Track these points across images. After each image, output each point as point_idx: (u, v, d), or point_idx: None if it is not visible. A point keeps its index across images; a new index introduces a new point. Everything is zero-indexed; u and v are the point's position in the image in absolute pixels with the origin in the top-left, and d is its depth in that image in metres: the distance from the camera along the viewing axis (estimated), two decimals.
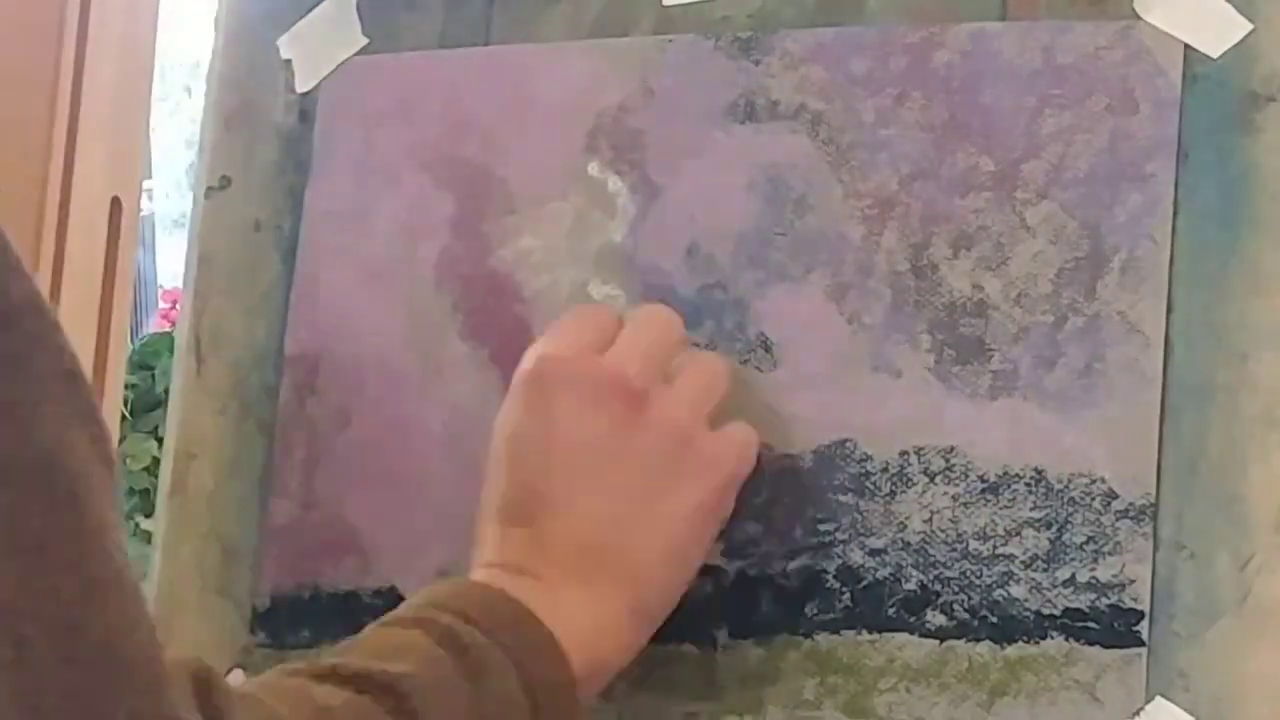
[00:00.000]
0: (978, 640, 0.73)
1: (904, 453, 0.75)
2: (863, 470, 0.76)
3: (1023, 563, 0.73)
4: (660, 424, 0.72)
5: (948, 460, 0.75)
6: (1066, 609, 0.72)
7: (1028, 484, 0.73)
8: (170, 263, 2.93)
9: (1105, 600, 0.71)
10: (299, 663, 0.67)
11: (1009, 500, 0.73)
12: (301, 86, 0.89)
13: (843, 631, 0.75)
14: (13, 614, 0.45)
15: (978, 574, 0.73)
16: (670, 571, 0.73)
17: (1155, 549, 0.71)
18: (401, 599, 0.82)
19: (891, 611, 0.74)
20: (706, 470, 0.73)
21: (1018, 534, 0.73)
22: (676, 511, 0.72)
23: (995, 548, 0.73)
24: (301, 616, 0.83)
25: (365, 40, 0.88)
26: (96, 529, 0.47)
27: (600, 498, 0.72)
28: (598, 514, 0.71)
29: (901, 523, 0.75)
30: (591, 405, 0.72)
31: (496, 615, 0.69)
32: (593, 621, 0.70)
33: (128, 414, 2.14)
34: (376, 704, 0.64)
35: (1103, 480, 0.72)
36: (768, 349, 0.78)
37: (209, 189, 0.90)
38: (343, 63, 0.89)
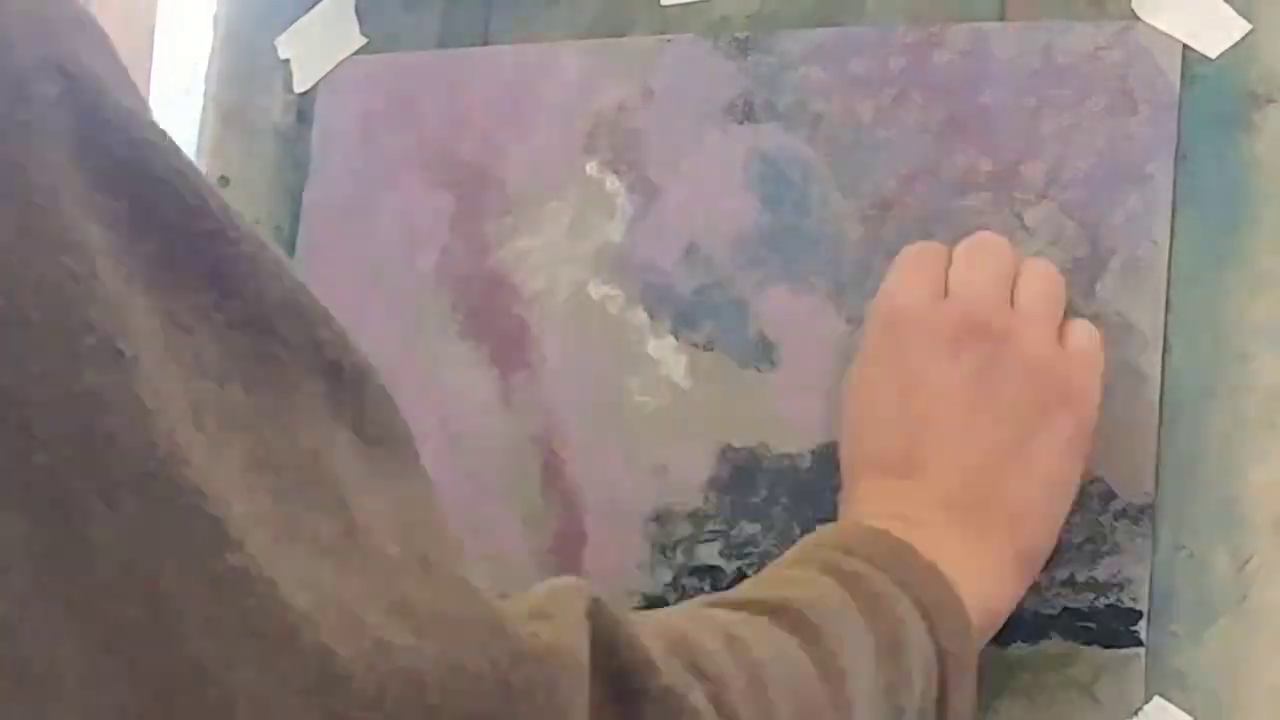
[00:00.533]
0: None
1: None
2: None
3: None
4: (1021, 360, 0.70)
5: None
6: (1065, 609, 0.72)
7: None
8: None
9: (1104, 600, 0.71)
10: (712, 595, 0.65)
11: None
12: (300, 86, 0.89)
13: None
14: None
15: None
16: (1050, 507, 0.71)
17: (1154, 549, 0.71)
18: None
19: None
20: (1072, 398, 0.71)
21: None
22: (1049, 447, 0.70)
23: None
24: None
25: (364, 40, 0.88)
26: (364, 527, 0.45)
27: (974, 444, 0.70)
28: (973, 461, 0.70)
29: None
30: (951, 352, 0.71)
31: (894, 559, 0.67)
32: (981, 566, 0.69)
33: None
34: (793, 635, 0.61)
35: (1101, 480, 0.72)
36: (767, 349, 0.78)
37: None
38: (341, 62, 0.89)
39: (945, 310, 0.71)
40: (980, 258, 0.73)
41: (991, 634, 0.69)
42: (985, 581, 0.68)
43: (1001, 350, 0.70)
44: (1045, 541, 0.71)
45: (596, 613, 0.50)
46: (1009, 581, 0.70)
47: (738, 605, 0.62)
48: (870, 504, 0.71)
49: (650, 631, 0.52)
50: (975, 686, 0.67)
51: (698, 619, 0.60)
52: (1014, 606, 0.70)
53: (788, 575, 0.66)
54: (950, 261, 0.73)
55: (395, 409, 0.49)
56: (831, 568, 0.65)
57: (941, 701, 0.66)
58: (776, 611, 0.62)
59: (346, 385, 0.47)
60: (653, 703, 0.50)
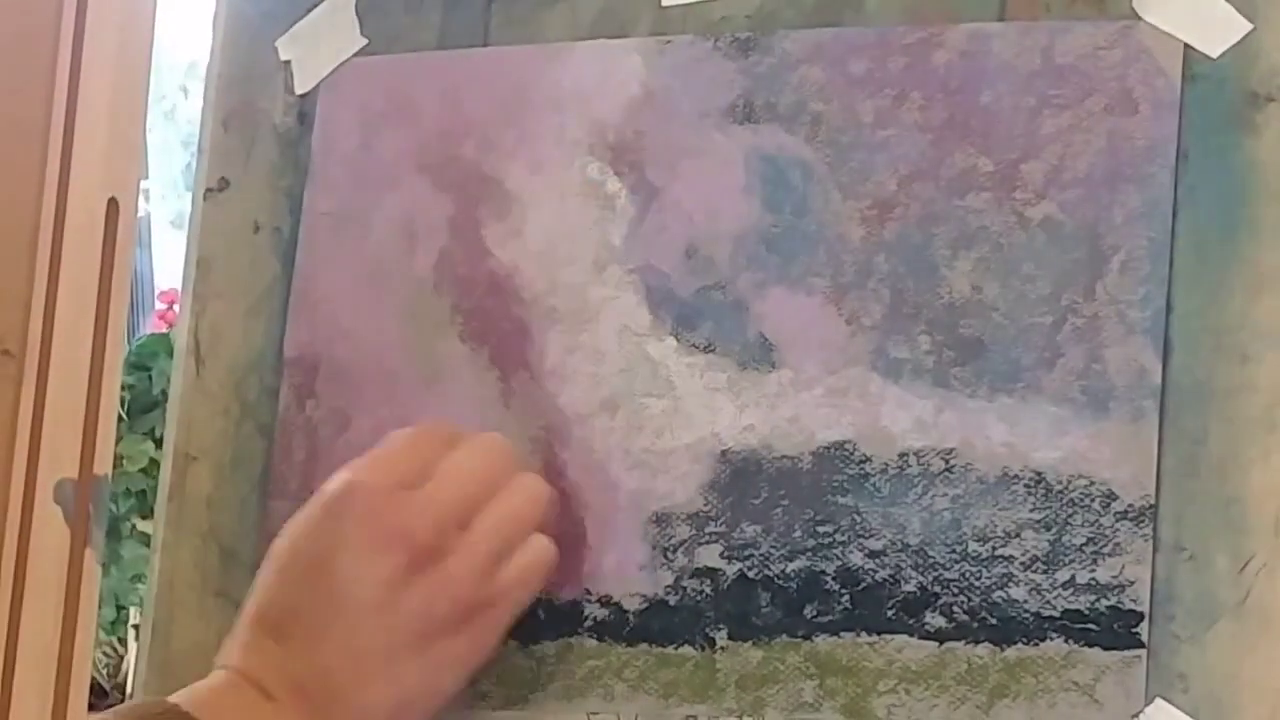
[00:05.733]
0: (977, 642, 0.73)
1: (903, 454, 0.75)
2: (862, 472, 0.76)
3: (1022, 564, 0.73)
4: (437, 588, 0.73)
5: (947, 461, 0.75)
6: (1066, 610, 0.72)
7: (1027, 485, 0.73)
8: (167, 263, 2.93)
9: (1105, 602, 0.71)
10: None
11: (1008, 502, 0.73)
12: (300, 88, 0.89)
13: (842, 633, 0.75)
14: None
15: (977, 575, 0.73)
16: (399, 717, 0.74)
17: (1155, 550, 0.71)
18: None
19: (891, 613, 0.74)
20: (473, 633, 0.74)
21: (1017, 535, 0.73)
22: (429, 664, 0.73)
23: (995, 549, 0.73)
24: None
25: (364, 41, 0.88)
26: None
27: (355, 637, 0.72)
28: (348, 651, 0.73)
29: (901, 524, 0.75)
30: (374, 550, 0.73)
31: None
32: None
33: (124, 415, 2.14)
34: None
35: (1102, 481, 0.72)
36: (767, 350, 0.78)
37: (207, 190, 0.90)
38: (341, 64, 0.89)
39: (392, 507, 0.74)
40: (469, 464, 0.76)
41: None
42: None
43: (424, 570, 0.73)
44: None
45: None
46: None
47: None
48: (239, 654, 0.74)
49: None
50: None
51: None
52: None
53: None
54: (446, 448, 0.76)
55: None
56: None
57: None
58: None
59: None
60: None
